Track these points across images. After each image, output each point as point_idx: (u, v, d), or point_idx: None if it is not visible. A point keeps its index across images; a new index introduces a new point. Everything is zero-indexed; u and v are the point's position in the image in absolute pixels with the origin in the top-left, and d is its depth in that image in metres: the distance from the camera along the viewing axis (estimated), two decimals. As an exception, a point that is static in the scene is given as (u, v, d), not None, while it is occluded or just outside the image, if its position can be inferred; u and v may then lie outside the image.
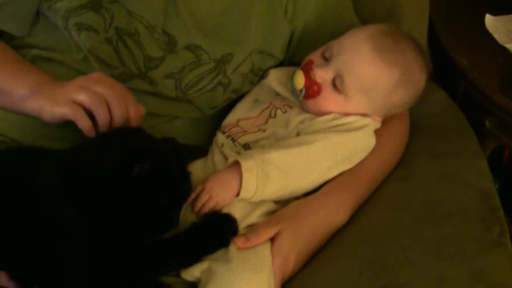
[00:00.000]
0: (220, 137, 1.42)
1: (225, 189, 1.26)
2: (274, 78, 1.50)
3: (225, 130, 1.43)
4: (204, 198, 1.25)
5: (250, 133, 1.40)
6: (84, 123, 1.16)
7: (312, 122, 1.37)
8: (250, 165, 1.26)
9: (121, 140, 1.18)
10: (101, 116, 1.17)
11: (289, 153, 1.30)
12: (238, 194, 1.27)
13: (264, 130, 1.40)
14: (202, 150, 1.29)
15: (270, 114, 1.43)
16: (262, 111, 1.45)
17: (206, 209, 1.25)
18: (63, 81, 1.24)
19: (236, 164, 1.28)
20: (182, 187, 1.20)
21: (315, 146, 1.31)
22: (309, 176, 1.31)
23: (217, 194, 1.25)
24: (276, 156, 1.28)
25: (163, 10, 1.36)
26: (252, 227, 1.26)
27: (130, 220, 1.15)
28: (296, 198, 1.34)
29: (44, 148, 1.24)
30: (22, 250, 1.09)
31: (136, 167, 1.11)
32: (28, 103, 1.23)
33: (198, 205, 1.25)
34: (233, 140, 1.40)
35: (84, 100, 1.16)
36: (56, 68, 1.34)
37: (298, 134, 1.37)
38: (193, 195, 1.25)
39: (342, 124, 1.35)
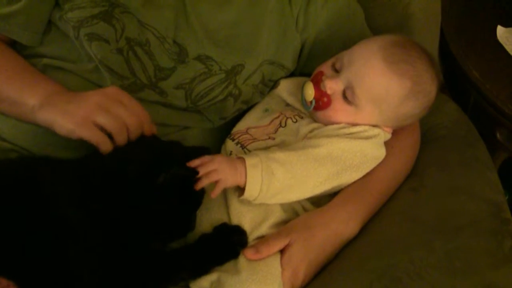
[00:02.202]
0: (229, 144, 1.42)
1: (231, 169, 1.24)
2: (285, 89, 1.50)
3: (235, 137, 1.43)
4: (210, 167, 1.22)
5: (260, 141, 1.40)
6: (105, 148, 1.17)
7: (321, 130, 1.37)
8: (255, 162, 1.26)
9: (137, 148, 1.19)
10: (121, 142, 1.18)
11: (294, 154, 1.29)
12: (243, 191, 1.25)
13: (274, 139, 1.40)
14: (207, 150, 1.28)
15: (280, 124, 1.43)
16: (272, 120, 1.45)
17: (207, 181, 1.21)
18: (75, 92, 1.25)
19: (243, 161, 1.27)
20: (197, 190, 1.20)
21: (320, 150, 1.30)
22: (315, 178, 1.30)
23: (223, 170, 1.23)
24: (282, 156, 1.28)
25: (174, 21, 1.36)
26: (262, 238, 1.26)
27: (149, 227, 1.17)
28: (305, 209, 1.34)
29: (55, 157, 1.25)
30: (32, 260, 1.09)
31: (161, 176, 1.12)
32: (39, 114, 1.22)
33: (202, 169, 1.21)
34: (243, 147, 1.39)
35: (105, 124, 1.17)
36: (67, 77, 1.34)
37: (307, 142, 1.37)
38: (197, 162, 1.22)
39: (351, 133, 1.35)
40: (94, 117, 1.16)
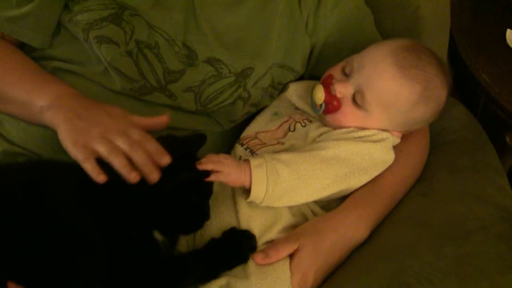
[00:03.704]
0: (238, 149, 1.42)
1: (235, 167, 1.24)
2: (294, 92, 1.50)
3: (244, 142, 1.43)
4: (215, 158, 1.22)
5: (269, 146, 1.39)
6: (89, 169, 1.11)
7: (329, 134, 1.37)
8: (259, 162, 1.26)
9: None
10: (117, 165, 1.11)
11: (300, 155, 1.29)
12: (249, 193, 1.25)
13: (283, 143, 1.39)
14: (203, 136, 1.28)
15: (289, 128, 1.43)
16: (281, 124, 1.45)
17: (209, 167, 1.20)
18: (85, 100, 1.23)
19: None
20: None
21: (326, 151, 1.30)
22: (322, 179, 1.29)
23: (227, 165, 1.23)
24: (287, 156, 1.28)
25: (183, 23, 1.36)
26: (271, 243, 1.26)
27: (162, 226, 1.18)
28: (314, 213, 1.33)
29: (64, 161, 1.25)
30: (40, 263, 1.09)
31: (172, 182, 1.13)
32: (46, 114, 1.21)
33: (206, 160, 1.21)
34: (252, 152, 1.39)
35: (102, 153, 1.12)
36: (76, 80, 1.34)
37: (316, 146, 1.36)
38: (204, 159, 1.21)
39: (359, 137, 1.35)
40: (94, 145, 1.13)
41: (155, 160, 1.12)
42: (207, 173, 1.19)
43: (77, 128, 1.16)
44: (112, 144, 1.13)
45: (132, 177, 1.10)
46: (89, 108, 1.20)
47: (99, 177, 1.10)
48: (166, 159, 1.13)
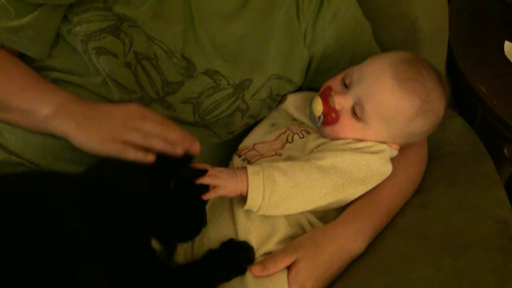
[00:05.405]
0: (236, 161, 1.42)
1: (232, 178, 1.24)
2: (292, 104, 1.50)
3: (241, 154, 1.43)
4: (210, 172, 1.23)
5: (267, 157, 1.39)
6: (133, 156, 1.14)
7: (327, 145, 1.37)
8: (256, 169, 1.26)
9: None
10: (159, 146, 1.16)
11: (297, 164, 1.29)
12: (245, 200, 1.25)
13: (281, 154, 1.39)
14: (189, 158, 1.29)
15: (287, 139, 1.43)
16: (279, 135, 1.45)
17: (206, 181, 1.21)
18: (90, 103, 1.25)
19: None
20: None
21: (323, 161, 1.30)
22: (320, 188, 1.29)
23: (223, 178, 1.23)
24: (284, 165, 1.28)
25: (182, 35, 1.36)
26: (268, 254, 1.25)
27: (161, 233, 1.18)
28: (311, 224, 1.33)
29: (61, 171, 1.25)
30: (39, 276, 1.08)
31: (172, 182, 1.14)
32: (53, 123, 1.22)
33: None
34: (249, 163, 1.39)
35: (136, 141, 1.15)
36: (75, 91, 1.33)
37: (314, 157, 1.36)
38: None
39: (357, 148, 1.35)
40: (124, 136, 1.16)
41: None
42: (205, 172, 1.20)
43: (94, 128, 1.18)
44: (141, 131, 1.17)
45: (178, 150, 1.15)
46: (94, 108, 1.23)
47: (148, 158, 1.14)
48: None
